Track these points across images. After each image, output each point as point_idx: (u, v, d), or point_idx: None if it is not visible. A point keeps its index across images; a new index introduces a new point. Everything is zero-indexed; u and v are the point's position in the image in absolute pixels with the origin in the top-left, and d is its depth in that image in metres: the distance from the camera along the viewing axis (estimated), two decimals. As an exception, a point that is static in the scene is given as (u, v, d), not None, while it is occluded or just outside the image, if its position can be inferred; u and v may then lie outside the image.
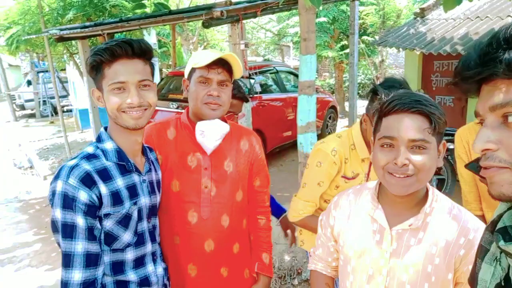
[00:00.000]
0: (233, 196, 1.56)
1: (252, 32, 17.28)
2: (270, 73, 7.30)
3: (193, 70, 1.48)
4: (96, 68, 1.22)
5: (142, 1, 4.28)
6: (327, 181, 1.74)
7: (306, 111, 3.79)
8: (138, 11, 6.03)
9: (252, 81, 5.73)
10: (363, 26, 10.56)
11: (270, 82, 7.35)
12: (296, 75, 7.79)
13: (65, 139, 7.58)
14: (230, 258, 1.59)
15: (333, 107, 8.67)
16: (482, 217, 1.70)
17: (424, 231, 1.03)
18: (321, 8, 8.85)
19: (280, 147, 7.09)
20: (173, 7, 8.49)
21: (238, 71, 1.50)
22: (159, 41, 12.13)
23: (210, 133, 1.45)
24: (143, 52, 1.24)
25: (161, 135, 1.53)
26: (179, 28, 12.07)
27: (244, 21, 4.52)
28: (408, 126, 0.96)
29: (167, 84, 6.62)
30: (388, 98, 1.02)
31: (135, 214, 1.29)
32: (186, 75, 1.54)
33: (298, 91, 3.72)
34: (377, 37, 9.33)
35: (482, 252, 0.71)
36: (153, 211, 1.40)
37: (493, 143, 0.59)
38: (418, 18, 7.16)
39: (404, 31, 6.95)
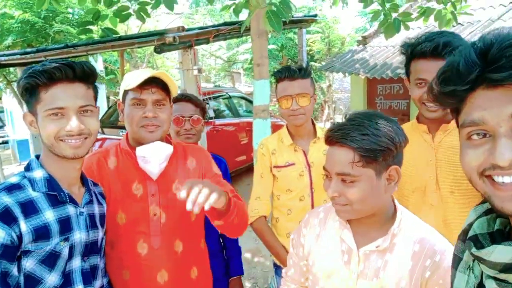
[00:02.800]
0: (186, 219, 1.48)
1: (203, 59, 17.40)
2: (223, 99, 7.33)
3: (126, 92, 1.40)
4: (30, 91, 1.11)
5: (89, 27, 4.12)
6: (266, 171, 1.85)
7: (262, 135, 3.81)
8: (84, 36, 5.83)
9: (205, 106, 5.69)
10: (310, 53, 11.03)
11: (223, 107, 7.37)
12: (248, 100, 7.89)
13: (1, 173, 6.99)
14: (187, 286, 1.49)
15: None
16: None
17: (391, 252, 1.03)
18: (269, 35, 9.15)
19: (235, 172, 7.04)
20: (121, 33, 8.33)
21: (174, 89, 1.45)
22: (106, 68, 11.80)
23: (153, 157, 1.37)
24: (85, 75, 1.15)
25: (102, 165, 1.43)
26: (127, 55, 11.84)
27: (196, 47, 4.52)
28: (334, 159, 1.00)
29: (116, 111, 6.40)
30: (331, 126, 1.05)
31: (65, 252, 1.13)
32: (120, 99, 1.46)
33: (252, 115, 3.75)
34: (323, 63, 9.77)
35: (455, 261, 0.72)
36: (92, 248, 1.25)
37: None
38: (361, 45, 7.62)
39: (349, 57, 7.34)
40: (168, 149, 1.43)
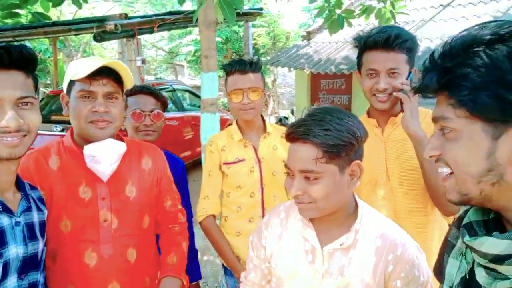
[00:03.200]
0: (139, 225, 1.37)
1: (143, 50, 16.69)
2: (166, 91, 7.06)
3: (72, 83, 1.25)
4: None
5: (16, 10, 3.71)
6: (214, 170, 1.80)
7: (210, 129, 3.72)
8: (10, 21, 5.26)
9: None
10: (255, 46, 11.05)
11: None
12: (193, 93, 7.71)
13: None
14: None
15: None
16: None
17: (354, 249, 1.03)
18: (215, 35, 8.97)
19: (194, 161, 6.84)
20: (53, 19, 7.68)
21: (129, 80, 1.31)
22: (35, 56, 10.84)
23: (103, 156, 1.24)
24: (25, 62, 0.99)
25: (41, 166, 1.27)
26: (60, 43, 10.98)
27: (139, 37, 4.28)
28: (297, 157, 0.97)
29: (48, 105, 5.88)
30: (292, 122, 1.02)
31: None
32: (65, 89, 1.30)
33: (197, 109, 3.65)
34: (269, 57, 9.83)
35: (448, 247, 0.74)
36: (31, 263, 1.08)
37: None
38: (305, 41, 7.76)
39: (293, 52, 7.45)
40: (121, 147, 1.30)
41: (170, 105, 7.16)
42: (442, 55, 0.62)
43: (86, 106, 1.23)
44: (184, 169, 1.96)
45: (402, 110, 1.31)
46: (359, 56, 1.45)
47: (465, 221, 0.68)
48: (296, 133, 0.97)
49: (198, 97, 7.48)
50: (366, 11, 4.70)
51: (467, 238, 0.64)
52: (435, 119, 0.66)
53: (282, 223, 1.14)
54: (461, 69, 0.59)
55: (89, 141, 1.26)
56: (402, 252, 1.01)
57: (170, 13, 5.07)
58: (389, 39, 1.32)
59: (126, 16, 4.01)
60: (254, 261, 1.22)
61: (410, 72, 1.37)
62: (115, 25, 3.71)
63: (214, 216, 1.83)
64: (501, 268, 0.59)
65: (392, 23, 4.68)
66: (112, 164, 1.28)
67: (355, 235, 1.03)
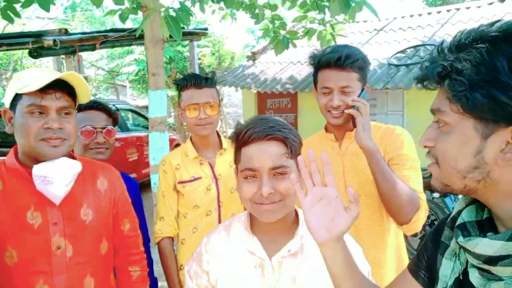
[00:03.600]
0: (96, 250, 1.27)
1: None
2: (109, 111, 6.76)
3: (18, 96, 1.15)
4: None
5: None
6: (168, 190, 1.75)
7: (160, 149, 3.59)
8: None
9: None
10: (200, 66, 11.03)
11: (109, 120, 6.80)
12: (137, 113, 7.45)
13: None
14: None
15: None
16: None
17: (302, 253, 1.03)
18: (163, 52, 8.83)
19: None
20: (-21, 35, 7.08)
21: (85, 94, 1.22)
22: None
23: (57, 177, 1.13)
24: None
25: None
26: (-14, 60, 10.13)
27: (80, 54, 4.07)
28: (267, 154, 0.96)
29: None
30: (243, 127, 1.00)
31: None
32: (7, 104, 1.19)
33: (143, 129, 3.52)
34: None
35: (442, 248, 0.73)
36: None
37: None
38: (251, 61, 7.91)
39: (240, 71, 7.55)
40: (76, 166, 1.19)
41: (112, 125, 6.86)
42: (449, 47, 0.63)
43: (36, 123, 1.12)
44: (138, 189, 1.85)
45: (354, 126, 1.36)
46: (315, 74, 1.51)
47: (458, 221, 0.68)
48: (260, 132, 0.96)
49: (143, 116, 7.26)
50: (308, 33, 4.91)
51: (460, 239, 0.64)
52: (433, 111, 0.66)
53: (224, 243, 1.09)
54: (460, 63, 0.59)
55: (38, 160, 1.14)
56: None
57: (113, 30, 4.89)
58: (340, 59, 1.38)
59: (66, 32, 3.80)
60: None
61: (362, 89, 1.44)
62: (54, 41, 3.48)
63: (171, 238, 1.75)
64: (495, 269, 0.59)
65: (332, 44, 4.94)
66: (66, 185, 1.16)
67: (301, 240, 1.03)
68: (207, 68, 11.02)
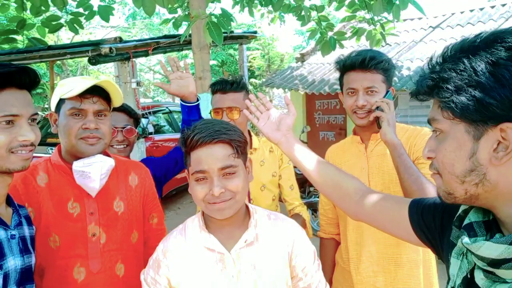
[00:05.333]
0: (128, 240, 1.37)
1: (140, 74, 16.90)
2: (163, 113, 7.11)
3: (62, 101, 1.29)
4: None
5: (13, 35, 3.77)
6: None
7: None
8: (7, 46, 5.34)
9: (144, 121, 5.48)
10: (250, 69, 11.21)
11: (163, 122, 7.15)
12: (190, 115, 7.73)
13: None
14: None
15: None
16: (332, 241, 1.73)
17: (258, 242, 1.10)
18: (209, 57, 9.12)
19: (176, 190, 6.82)
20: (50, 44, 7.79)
21: (118, 98, 1.35)
22: (33, 81, 10.94)
23: (93, 172, 1.26)
24: (34, 83, 1.06)
25: (29, 183, 1.28)
26: (57, 68, 11.12)
27: (134, 59, 4.35)
28: (214, 157, 1.02)
29: (44, 128, 5.92)
30: (190, 132, 1.06)
31: None
32: (53, 108, 1.33)
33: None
34: (264, 79, 9.96)
35: (450, 247, 0.75)
36: (27, 275, 1.10)
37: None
38: (299, 62, 7.89)
39: (288, 73, 7.55)
40: (110, 162, 1.31)
41: (167, 126, 7.20)
42: (436, 61, 0.67)
43: (76, 124, 1.26)
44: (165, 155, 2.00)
45: (379, 127, 1.39)
46: (341, 78, 1.56)
47: (465, 222, 0.69)
48: (205, 137, 1.02)
49: (194, 118, 7.49)
50: (357, 32, 4.80)
51: (465, 240, 0.64)
52: (429, 121, 0.70)
53: (182, 245, 1.12)
54: (446, 73, 0.63)
55: (78, 157, 1.28)
56: (293, 234, 1.14)
57: (165, 36, 5.16)
58: (365, 61, 1.42)
59: (120, 40, 4.08)
60: None
61: (388, 91, 1.46)
62: (110, 49, 3.77)
63: None
64: (499, 272, 0.59)
65: (383, 44, 4.79)
66: (101, 179, 1.29)
67: (255, 230, 1.10)
68: (256, 70, 11.15)
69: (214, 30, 2.52)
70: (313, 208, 4.92)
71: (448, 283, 0.74)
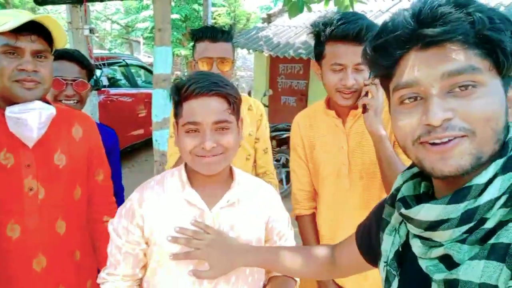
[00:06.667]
0: (70, 196, 1.29)
1: (96, 23, 15.76)
2: (119, 66, 6.73)
3: None
4: None
5: None
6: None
7: (162, 106, 3.57)
8: None
9: (98, 72, 5.15)
10: (214, 26, 10.80)
11: (119, 75, 6.79)
12: (148, 70, 7.41)
13: None
14: (69, 271, 1.31)
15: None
16: (313, 215, 1.58)
17: (239, 204, 1.09)
18: (173, 3, 8.64)
19: (131, 147, 6.62)
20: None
21: (61, 39, 1.20)
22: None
23: (31, 119, 1.14)
24: None
25: None
26: (0, 6, 10.08)
27: (88, 4, 3.99)
28: (210, 109, 0.99)
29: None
30: (185, 81, 1.02)
31: None
32: None
33: (152, 85, 3.50)
34: (228, 39, 9.66)
35: (383, 224, 0.76)
36: None
37: (451, 112, 0.56)
38: (266, 23, 7.68)
39: (253, 34, 7.36)
40: (50, 110, 1.19)
41: (123, 81, 6.86)
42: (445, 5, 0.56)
43: (11, 63, 1.11)
44: (116, 141, 1.84)
45: (364, 111, 1.25)
46: (321, 46, 1.32)
47: (399, 196, 0.69)
48: (203, 87, 0.98)
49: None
50: (326, -4, 4.71)
51: (403, 209, 0.64)
52: (451, 73, 0.56)
53: (160, 195, 1.08)
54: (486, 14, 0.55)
55: (12, 102, 1.14)
56: (272, 199, 1.17)
57: (123, -19, 4.76)
58: (361, 32, 1.21)
59: (72, -21, 3.71)
60: (124, 248, 1.09)
61: None
62: (59, -12, 3.41)
63: None
64: (435, 235, 0.59)
65: (350, 10, 4.73)
66: (40, 128, 1.17)
67: (237, 191, 1.09)
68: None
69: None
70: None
71: (379, 259, 0.75)
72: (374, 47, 0.64)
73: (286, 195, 4.94)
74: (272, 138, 5.37)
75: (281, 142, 5.25)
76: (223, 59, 1.62)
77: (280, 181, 5.17)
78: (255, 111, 1.79)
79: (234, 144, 1.04)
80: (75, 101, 1.65)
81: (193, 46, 1.70)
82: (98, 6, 13.97)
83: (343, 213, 1.44)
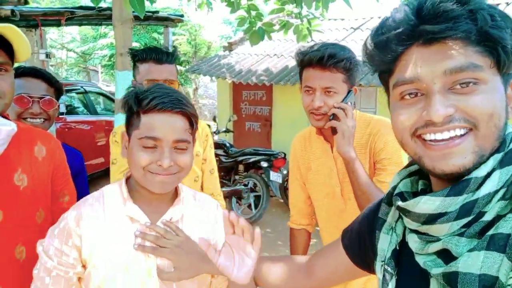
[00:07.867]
0: (31, 219, 1.18)
1: (51, 51, 15.31)
2: (77, 93, 6.53)
3: None
4: None
5: None
6: (119, 158, 1.64)
7: (124, 132, 3.48)
8: None
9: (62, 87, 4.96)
10: (176, 54, 10.85)
11: (76, 103, 6.57)
12: (108, 97, 7.23)
13: None
14: None
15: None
16: (303, 231, 1.66)
17: (182, 222, 1.07)
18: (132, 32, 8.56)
19: (90, 176, 6.33)
20: None
21: (23, 51, 1.12)
22: None
23: None
24: None
25: None
26: None
27: (44, 29, 3.87)
28: (172, 127, 0.96)
29: None
30: (146, 92, 0.96)
31: None
32: None
33: (111, 114, 3.40)
34: (189, 66, 9.70)
35: (379, 223, 0.75)
36: None
37: (452, 108, 0.56)
38: (227, 51, 7.80)
39: (215, 61, 7.43)
40: (10, 127, 1.10)
41: (81, 108, 6.64)
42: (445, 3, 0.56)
43: None
44: (83, 161, 1.75)
45: (334, 133, 1.30)
46: (300, 72, 1.43)
47: (396, 191, 0.68)
48: (167, 103, 0.94)
49: (113, 101, 7.05)
50: (285, 26, 4.87)
51: (400, 202, 0.63)
52: (452, 70, 0.56)
53: (98, 213, 1.02)
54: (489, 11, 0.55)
55: None
56: (219, 221, 1.10)
57: (81, 7, 4.67)
58: (323, 58, 1.30)
59: (26, 2, 3.57)
60: (55, 271, 1.00)
61: (350, 91, 1.36)
62: (12, 11, 3.27)
63: None
64: (433, 229, 0.58)
65: (309, 39, 4.92)
66: None
67: (181, 208, 1.07)
68: (182, 56, 10.84)
69: (136, 0, 2.31)
70: (237, 196, 4.91)
71: (376, 259, 0.74)
72: (375, 43, 0.62)
73: (254, 220, 4.87)
74: (239, 162, 5.33)
75: (248, 167, 5.23)
76: (171, 82, 1.58)
77: (249, 206, 5.10)
78: (201, 132, 1.75)
79: (190, 165, 1.01)
80: (42, 120, 1.54)
81: (134, 66, 1.63)
82: (52, 34, 13.62)
83: (341, 231, 1.47)
